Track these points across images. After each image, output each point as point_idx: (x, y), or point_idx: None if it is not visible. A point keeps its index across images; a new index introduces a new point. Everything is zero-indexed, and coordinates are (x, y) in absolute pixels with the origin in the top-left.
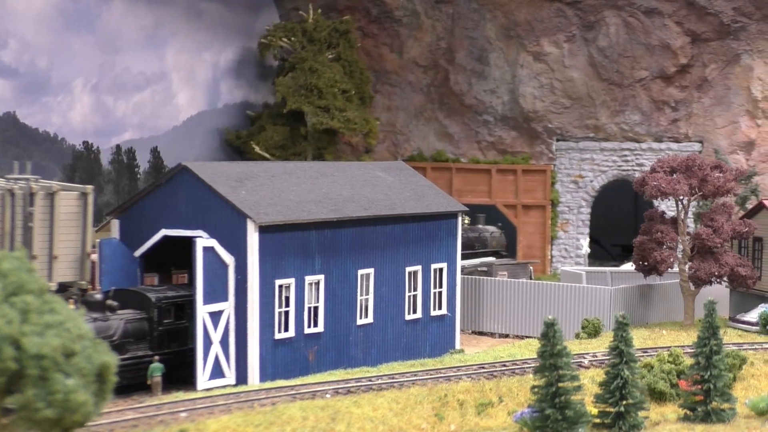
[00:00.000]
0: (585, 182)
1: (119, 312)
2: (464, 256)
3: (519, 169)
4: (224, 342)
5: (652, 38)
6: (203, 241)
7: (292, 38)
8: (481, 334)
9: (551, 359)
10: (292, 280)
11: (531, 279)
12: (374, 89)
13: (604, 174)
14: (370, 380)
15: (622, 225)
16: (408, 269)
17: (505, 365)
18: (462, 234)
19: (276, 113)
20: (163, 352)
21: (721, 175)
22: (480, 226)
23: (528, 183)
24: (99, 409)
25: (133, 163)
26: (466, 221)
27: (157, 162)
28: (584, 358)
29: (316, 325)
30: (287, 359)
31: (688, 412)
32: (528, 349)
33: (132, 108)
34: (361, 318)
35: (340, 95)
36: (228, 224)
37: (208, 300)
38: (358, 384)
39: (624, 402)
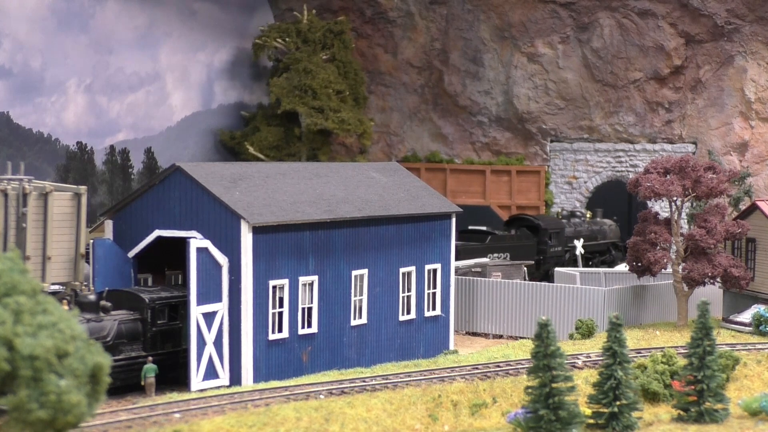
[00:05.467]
0: (579, 183)
1: (113, 313)
2: (588, 247)
3: (513, 170)
4: (218, 343)
5: (646, 40)
6: (197, 241)
7: (287, 39)
8: (474, 335)
9: (545, 360)
10: (285, 281)
11: (525, 280)
12: (368, 90)
13: (598, 175)
14: (364, 381)
15: None
16: (402, 270)
17: (498, 366)
18: (586, 226)
19: (270, 114)
20: (156, 353)
21: (714, 176)
22: (599, 219)
23: (522, 184)
24: (92, 410)
25: (126, 163)
26: (588, 215)
27: (151, 162)
28: (578, 358)
29: (309, 325)
30: (281, 360)
31: (681, 412)
32: (522, 350)
33: (126, 108)
34: (354, 319)
35: (335, 96)
36: (222, 225)
37: (201, 301)
38: (352, 385)
39: (617, 402)
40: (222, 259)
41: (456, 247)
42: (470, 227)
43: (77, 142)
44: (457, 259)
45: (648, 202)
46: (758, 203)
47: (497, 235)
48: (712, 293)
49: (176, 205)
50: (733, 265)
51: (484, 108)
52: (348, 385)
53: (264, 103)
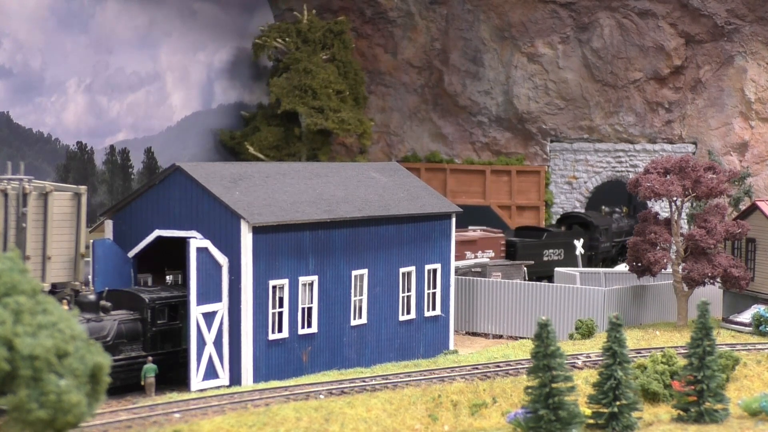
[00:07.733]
0: (579, 183)
1: (113, 313)
2: (625, 242)
3: (513, 170)
4: (218, 343)
5: (646, 40)
6: (197, 241)
7: (287, 39)
8: (474, 334)
9: (545, 360)
10: (285, 281)
11: (525, 280)
12: (368, 90)
13: (598, 175)
14: (364, 381)
15: None
16: (402, 270)
17: (498, 366)
18: (626, 222)
19: (270, 114)
20: (156, 353)
21: (714, 176)
22: (631, 215)
23: (522, 184)
24: (92, 409)
25: (126, 163)
26: (625, 211)
27: (151, 162)
28: (578, 358)
29: (309, 325)
30: (281, 360)
31: (681, 412)
32: (522, 350)
33: (126, 108)
34: (354, 319)
35: (335, 96)
36: (222, 225)
37: (201, 301)
38: (352, 385)
39: (617, 403)
40: (222, 259)
41: (514, 243)
42: (525, 225)
43: (77, 142)
44: (515, 258)
45: (648, 202)
46: (758, 203)
47: (552, 232)
48: (712, 293)
49: (176, 205)
50: (733, 265)
51: (484, 108)
52: (348, 385)
53: (264, 103)
